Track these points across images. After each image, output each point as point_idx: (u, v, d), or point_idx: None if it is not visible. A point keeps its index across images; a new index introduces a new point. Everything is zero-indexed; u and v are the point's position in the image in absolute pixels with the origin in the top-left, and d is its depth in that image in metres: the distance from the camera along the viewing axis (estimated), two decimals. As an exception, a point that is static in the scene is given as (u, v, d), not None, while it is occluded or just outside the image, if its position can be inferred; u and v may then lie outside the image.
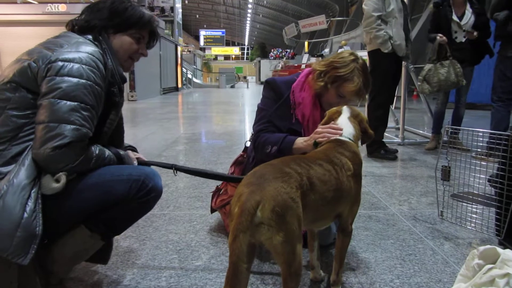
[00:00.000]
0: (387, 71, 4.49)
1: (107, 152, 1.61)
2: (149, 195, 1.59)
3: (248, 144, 2.36)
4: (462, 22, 4.73)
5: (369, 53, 4.66)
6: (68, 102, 1.44)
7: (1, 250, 1.34)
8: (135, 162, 1.80)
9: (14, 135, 1.45)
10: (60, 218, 1.53)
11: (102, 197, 1.54)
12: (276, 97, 2.14)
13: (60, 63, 1.47)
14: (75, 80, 1.46)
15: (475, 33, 4.62)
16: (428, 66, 4.71)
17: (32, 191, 1.41)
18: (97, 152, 1.55)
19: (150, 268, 1.95)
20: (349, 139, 1.71)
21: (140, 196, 1.57)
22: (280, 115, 2.10)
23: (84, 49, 1.54)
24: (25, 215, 1.37)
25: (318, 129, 1.80)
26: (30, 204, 1.39)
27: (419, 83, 4.79)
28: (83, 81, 1.47)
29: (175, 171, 1.91)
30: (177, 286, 1.78)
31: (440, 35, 4.63)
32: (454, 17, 4.73)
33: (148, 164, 1.85)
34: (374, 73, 4.58)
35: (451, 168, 2.49)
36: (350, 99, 2.01)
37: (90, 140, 1.52)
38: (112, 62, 1.62)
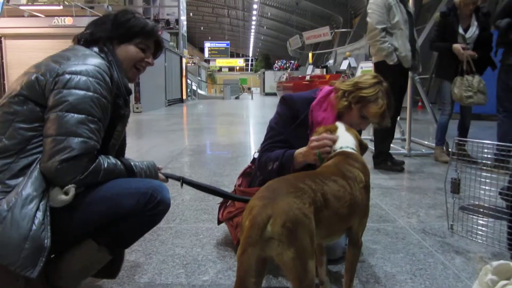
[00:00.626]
0: (394, 83, 4.43)
1: (117, 164, 1.59)
2: (157, 208, 1.58)
3: (256, 155, 2.33)
4: (467, 35, 4.72)
5: (375, 64, 4.65)
6: (76, 115, 1.44)
7: (10, 263, 1.33)
8: (160, 174, 1.80)
9: (22, 147, 1.44)
10: (68, 231, 1.51)
11: (110, 211, 1.53)
12: (291, 115, 2.08)
13: (67, 76, 1.47)
14: (82, 92, 1.46)
15: (476, 55, 4.60)
16: (473, 78, 4.61)
17: (41, 203, 1.40)
18: (105, 165, 1.53)
19: (157, 283, 1.92)
20: (353, 149, 1.70)
21: (149, 209, 1.56)
22: (298, 135, 2.04)
23: (91, 62, 1.54)
24: (34, 227, 1.36)
25: (314, 138, 1.79)
26: (39, 216, 1.38)
27: (470, 94, 4.58)
28: (90, 93, 1.48)
29: (182, 183, 1.90)
30: (184, 302, 1.75)
31: (463, 46, 4.59)
32: (460, 30, 4.72)
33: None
34: None
35: (460, 180, 2.46)
36: (373, 121, 1.99)
37: (98, 152, 1.52)
38: (118, 74, 1.62)
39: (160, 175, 1.81)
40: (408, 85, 4.98)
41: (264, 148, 2.11)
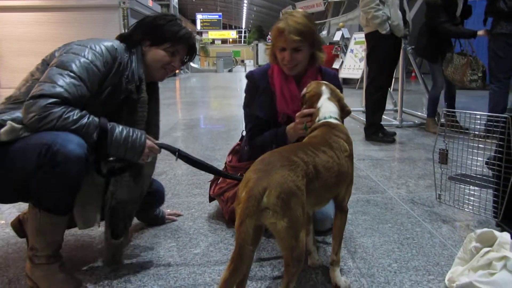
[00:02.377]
0: (386, 53, 4.45)
1: (81, 121, 1.54)
2: (54, 160, 1.46)
3: (244, 133, 2.35)
4: (458, 13, 4.75)
5: (366, 35, 4.61)
6: (59, 69, 1.59)
7: None
8: (153, 144, 1.76)
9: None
10: None
11: (18, 163, 1.50)
12: (254, 88, 2.20)
13: (74, 45, 1.70)
14: (72, 56, 1.64)
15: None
16: (476, 61, 4.59)
17: None
18: (67, 115, 1.51)
19: (149, 256, 1.95)
20: (336, 119, 1.74)
21: (47, 161, 1.46)
22: (261, 105, 2.15)
23: (100, 41, 1.73)
24: None
25: (297, 115, 1.87)
26: None
27: (475, 77, 4.55)
28: (80, 57, 1.63)
29: (177, 156, 1.87)
30: (175, 274, 1.79)
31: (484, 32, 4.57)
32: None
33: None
34: (372, 56, 4.55)
35: (448, 151, 2.48)
36: (286, 46, 1.98)
37: (68, 103, 1.53)
38: (135, 65, 1.79)
39: (153, 145, 1.75)
40: (400, 56, 4.95)
41: (252, 134, 2.20)
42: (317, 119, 1.75)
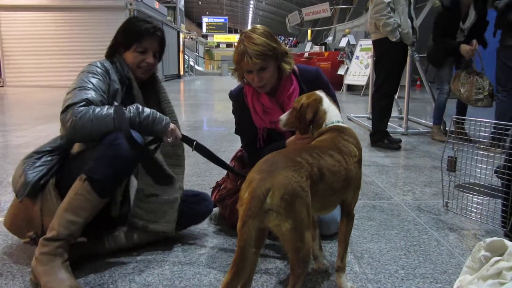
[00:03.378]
0: (394, 61, 4.44)
1: (107, 113, 1.73)
2: (116, 141, 1.69)
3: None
4: (465, 25, 4.74)
5: (374, 42, 4.59)
6: (76, 88, 1.80)
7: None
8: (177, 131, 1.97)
9: None
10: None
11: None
12: (236, 108, 2.25)
13: (76, 80, 1.88)
14: (79, 80, 1.85)
15: (477, 48, 4.63)
16: (483, 80, 4.60)
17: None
18: (94, 111, 1.72)
19: (154, 256, 1.94)
20: (343, 122, 1.71)
21: (109, 141, 1.69)
22: (244, 123, 2.19)
23: (91, 62, 1.96)
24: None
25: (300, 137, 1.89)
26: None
27: (480, 97, 4.56)
28: (86, 75, 1.86)
29: (194, 146, 2.06)
30: (180, 274, 1.77)
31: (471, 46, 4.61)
32: (461, 24, 4.71)
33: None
34: (380, 63, 4.54)
35: (457, 158, 2.46)
36: (252, 68, 1.95)
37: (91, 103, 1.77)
38: (122, 68, 1.98)
39: (176, 128, 1.96)
40: (406, 63, 4.94)
41: (250, 150, 2.24)
42: (324, 124, 1.70)
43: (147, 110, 1.83)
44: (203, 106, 9.32)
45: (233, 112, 2.30)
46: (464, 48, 4.61)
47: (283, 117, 1.79)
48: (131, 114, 1.77)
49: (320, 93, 1.77)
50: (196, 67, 29.44)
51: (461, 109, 4.92)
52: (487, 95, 4.48)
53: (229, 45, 61.99)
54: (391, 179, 3.32)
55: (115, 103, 1.86)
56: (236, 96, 2.22)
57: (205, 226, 2.31)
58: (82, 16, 13.98)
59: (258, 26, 2.03)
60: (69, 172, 1.79)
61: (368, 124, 5.57)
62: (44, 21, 14.01)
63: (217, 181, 2.49)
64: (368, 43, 11.10)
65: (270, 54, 1.94)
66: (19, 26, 13.89)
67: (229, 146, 4.47)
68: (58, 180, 1.81)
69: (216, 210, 2.55)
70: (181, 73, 22.72)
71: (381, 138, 4.56)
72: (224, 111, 7.98)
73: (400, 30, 4.28)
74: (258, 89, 2.06)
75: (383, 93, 4.51)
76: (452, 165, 2.43)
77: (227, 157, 3.92)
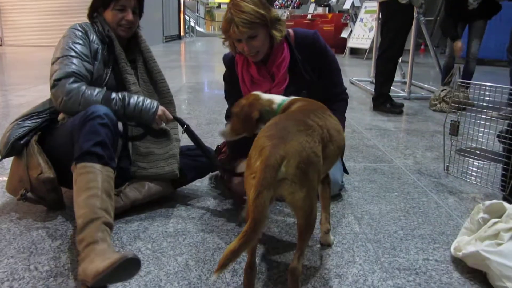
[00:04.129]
0: (402, 24, 4.36)
1: (95, 95, 1.81)
2: (92, 115, 1.67)
3: None
4: None
5: (382, 3, 4.48)
6: (59, 60, 1.85)
7: None
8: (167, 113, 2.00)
9: None
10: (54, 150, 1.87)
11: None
12: (227, 75, 2.22)
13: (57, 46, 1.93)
14: (60, 49, 1.89)
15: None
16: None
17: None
18: (86, 92, 1.79)
19: (157, 214, 1.97)
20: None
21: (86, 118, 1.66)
22: (235, 93, 2.11)
23: (70, 26, 1.98)
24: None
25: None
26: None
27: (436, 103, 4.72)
28: (65, 44, 1.89)
29: (184, 130, 2.06)
30: (184, 232, 1.81)
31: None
32: None
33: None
34: (387, 26, 4.45)
35: (459, 123, 2.46)
36: (240, 37, 1.88)
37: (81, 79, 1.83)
38: (103, 28, 1.99)
39: (165, 110, 1.99)
40: (412, 26, 4.85)
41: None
42: (275, 107, 1.65)
43: (133, 101, 1.86)
44: (204, 67, 9.22)
45: (224, 78, 2.25)
46: (457, 45, 4.68)
47: (225, 129, 1.77)
48: (116, 107, 1.82)
49: (256, 92, 1.75)
50: (197, 28, 28.89)
51: (466, 74, 4.88)
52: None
53: (230, 5, 60.58)
54: (392, 143, 3.33)
55: (104, 90, 1.86)
56: (228, 62, 2.18)
57: (206, 186, 2.34)
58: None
59: None
60: (53, 137, 1.88)
61: (371, 88, 5.53)
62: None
63: (218, 145, 2.47)
64: (373, 5, 10.85)
65: (258, 21, 1.86)
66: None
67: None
68: (42, 138, 1.90)
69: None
70: (182, 34, 22.33)
71: (384, 102, 4.54)
72: (226, 73, 7.91)
73: None
74: (251, 59, 2.01)
75: (388, 57, 4.45)
76: (454, 129, 2.43)
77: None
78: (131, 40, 2.11)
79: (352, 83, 6.68)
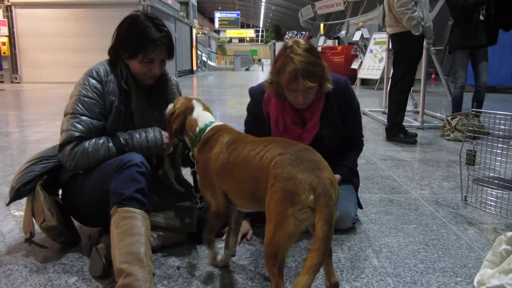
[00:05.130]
0: (415, 55, 4.41)
1: (102, 144, 1.79)
2: (128, 163, 1.69)
3: None
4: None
5: (393, 35, 4.51)
6: (64, 118, 1.84)
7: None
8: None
9: None
10: (76, 203, 1.92)
11: (98, 184, 1.77)
12: (254, 108, 2.16)
13: (74, 89, 1.90)
14: (70, 100, 1.86)
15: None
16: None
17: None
18: (90, 148, 1.78)
19: (173, 250, 1.95)
20: (216, 122, 1.79)
21: (122, 167, 1.69)
22: (258, 129, 2.07)
23: (90, 71, 1.89)
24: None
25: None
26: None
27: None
28: (74, 97, 1.84)
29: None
30: (199, 267, 1.78)
31: None
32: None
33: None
34: (400, 57, 4.48)
35: (476, 152, 2.44)
36: (301, 90, 1.83)
37: (84, 139, 1.79)
38: (121, 76, 1.90)
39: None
40: (423, 56, 4.88)
41: None
42: (197, 128, 1.74)
43: (137, 142, 1.83)
44: (217, 101, 9.33)
45: (247, 109, 2.22)
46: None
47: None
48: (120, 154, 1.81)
49: (194, 102, 1.81)
50: (209, 62, 29.51)
51: (477, 102, 4.85)
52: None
53: (241, 40, 61.96)
54: (407, 173, 3.30)
55: (109, 142, 1.81)
56: (256, 96, 2.13)
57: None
58: (96, 12, 14.09)
59: (301, 40, 1.86)
60: (77, 181, 1.86)
61: (383, 118, 5.53)
62: (59, 18, 14.16)
63: None
64: (382, 36, 10.99)
65: (320, 74, 1.85)
66: (34, 23, 14.06)
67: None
68: (48, 181, 1.91)
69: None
70: (194, 68, 22.78)
71: (397, 133, 4.52)
72: (239, 107, 7.98)
73: (422, 24, 4.22)
74: (296, 106, 1.97)
75: (401, 87, 4.46)
76: (471, 158, 2.40)
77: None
78: (157, 81, 2.01)
79: (364, 113, 6.69)
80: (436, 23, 4.93)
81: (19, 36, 14.28)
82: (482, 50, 4.70)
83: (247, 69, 28.30)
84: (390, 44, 5.18)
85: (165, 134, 1.89)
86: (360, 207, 2.33)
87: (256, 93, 2.14)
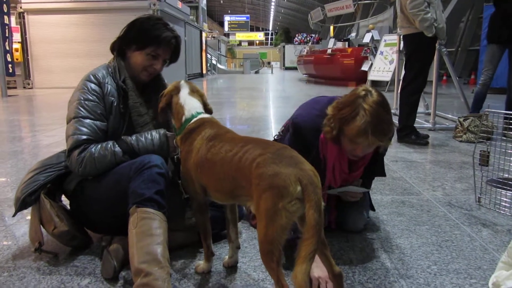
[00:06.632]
0: (428, 57, 4.37)
1: (108, 149, 1.80)
2: (148, 164, 1.71)
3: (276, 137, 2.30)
4: None
5: (406, 36, 4.47)
6: (68, 123, 1.86)
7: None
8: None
9: None
10: (91, 209, 1.91)
11: (116, 187, 1.77)
12: (304, 149, 1.82)
13: (73, 94, 1.93)
14: (70, 106, 1.89)
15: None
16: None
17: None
18: (95, 154, 1.78)
19: (184, 251, 1.96)
20: (203, 113, 1.78)
21: (142, 168, 1.70)
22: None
23: (87, 76, 1.93)
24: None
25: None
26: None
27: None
28: (75, 102, 1.87)
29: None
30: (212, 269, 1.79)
31: None
32: None
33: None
34: (413, 58, 4.45)
35: (489, 152, 2.40)
36: (363, 145, 1.71)
37: (90, 141, 1.81)
38: (119, 76, 1.93)
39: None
40: (434, 58, 4.84)
41: None
42: (183, 117, 1.75)
43: (142, 145, 1.84)
44: (227, 103, 9.35)
45: (292, 142, 1.95)
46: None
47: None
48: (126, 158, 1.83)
49: (182, 83, 1.83)
50: (219, 65, 29.60)
51: (510, 106, 4.78)
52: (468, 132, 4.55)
53: (250, 43, 62.09)
54: (419, 175, 3.27)
55: (115, 146, 1.82)
56: (307, 132, 1.91)
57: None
58: (106, 18, 14.20)
59: (374, 91, 1.69)
60: (92, 183, 1.86)
61: (395, 119, 5.48)
62: (70, 24, 14.30)
63: None
64: (392, 38, 10.93)
65: (389, 134, 1.72)
66: (46, 29, 14.20)
67: (254, 143, 4.46)
68: (52, 189, 1.92)
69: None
70: (204, 71, 22.87)
71: (409, 134, 4.49)
72: (248, 109, 7.99)
73: (435, 25, 4.19)
74: (349, 156, 1.85)
75: (413, 88, 4.42)
76: (484, 159, 2.37)
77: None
78: (151, 80, 2.05)
79: (375, 115, 6.65)
80: (447, 24, 4.88)
81: (32, 42, 14.44)
82: None
83: (256, 72, 28.31)
84: (402, 45, 5.15)
85: (170, 137, 1.89)
86: (373, 209, 2.31)
87: (307, 129, 1.92)
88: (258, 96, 11.08)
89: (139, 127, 1.95)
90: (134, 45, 1.94)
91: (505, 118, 2.40)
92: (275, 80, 19.75)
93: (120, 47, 1.99)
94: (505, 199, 2.44)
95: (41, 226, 1.87)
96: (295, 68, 25.50)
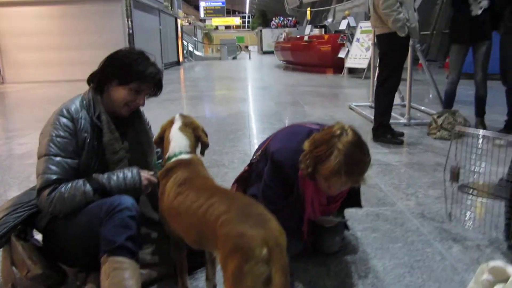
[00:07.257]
0: (401, 56, 4.41)
1: (79, 189, 1.76)
2: (119, 207, 1.68)
3: (254, 160, 2.25)
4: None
5: (379, 36, 4.48)
6: (39, 160, 1.80)
7: None
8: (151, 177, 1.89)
9: None
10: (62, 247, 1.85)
11: (86, 229, 1.74)
12: (286, 183, 1.93)
13: (44, 128, 1.86)
14: (41, 141, 1.82)
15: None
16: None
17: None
18: (66, 194, 1.74)
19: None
20: (187, 152, 1.78)
21: (112, 212, 1.67)
22: (293, 207, 1.93)
23: (60, 109, 1.86)
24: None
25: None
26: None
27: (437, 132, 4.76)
28: (46, 138, 1.80)
29: None
30: (187, 305, 1.79)
31: None
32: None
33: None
34: (386, 58, 4.47)
35: (460, 169, 2.45)
36: (336, 185, 1.71)
37: (59, 181, 1.76)
38: (93, 113, 1.87)
39: (149, 176, 1.89)
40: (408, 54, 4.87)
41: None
42: (167, 154, 1.79)
43: (114, 184, 1.80)
44: (204, 97, 9.27)
45: (273, 177, 1.95)
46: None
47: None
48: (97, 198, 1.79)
49: (177, 116, 1.86)
50: (196, 52, 29.26)
51: (479, 101, 4.86)
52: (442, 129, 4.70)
53: (227, 27, 61.36)
54: (394, 181, 3.32)
55: (85, 185, 1.78)
56: (289, 170, 1.88)
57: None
58: (78, 9, 13.81)
59: (349, 130, 1.70)
60: (62, 222, 1.81)
61: (370, 114, 5.52)
62: (41, 16, 13.86)
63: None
64: (368, 25, 10.91)
65: (363, 173, 1.73)
66: (16, 21, 13.74)
67: (232, 147, 4.47)
68: (22, 231, 1.87)
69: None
70: (181, 59, 22.57)
71: (384, 133, 4.54)
72: (226, 104, 7.94)
73: (408, 25, 4.20)
74: (326, 192, 1.84)
75: (388, 87, 4.45)
76: (455, 176, 2.42)
77: (230, 160, 3.95)
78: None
79: (351, 109, 6.70)
80: (421, 9, 4.91)
81: (1, 35, 14.00)
82: (483, 43, 4.71)
83: (234, 58, 28.04)
84: (376, 42, 5.16)
85: (143, 174, 1.86)
86: (347, 229, 2.35)
87: (287, 166, 1.89)
88: (238, 87, 10.99)
89: (113, 164, 1.90)
90: (116, 80, 1.88)
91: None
92: (253, 67, 19.66)
93: (99, 82, 1.91)
94: (474, 210, 2.50)
95: (14, 267, 1.85)
96: (272, 52, 25.35)
